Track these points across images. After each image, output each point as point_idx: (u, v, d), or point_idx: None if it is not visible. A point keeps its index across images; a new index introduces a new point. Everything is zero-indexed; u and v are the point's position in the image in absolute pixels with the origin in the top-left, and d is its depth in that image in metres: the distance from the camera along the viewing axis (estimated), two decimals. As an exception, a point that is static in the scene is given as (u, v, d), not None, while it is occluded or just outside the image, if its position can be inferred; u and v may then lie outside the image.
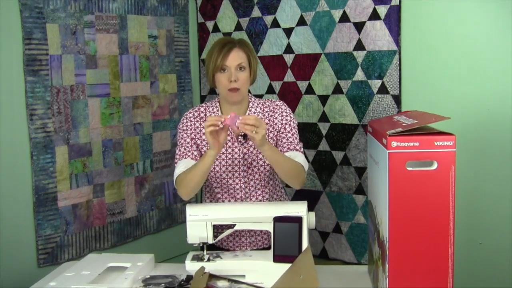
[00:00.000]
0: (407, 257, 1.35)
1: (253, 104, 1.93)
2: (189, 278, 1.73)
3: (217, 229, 1.85)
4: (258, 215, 1.74)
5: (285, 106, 1.95)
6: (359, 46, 2.44)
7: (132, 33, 2.69)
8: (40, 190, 2.29)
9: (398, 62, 2.34)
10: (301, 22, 2.62)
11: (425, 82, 2.30)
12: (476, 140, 2.16)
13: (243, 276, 1.68)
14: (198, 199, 3.06)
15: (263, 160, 1.89)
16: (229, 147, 1.89)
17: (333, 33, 2.52)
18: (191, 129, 1.91)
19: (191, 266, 1.71)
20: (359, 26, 2.43)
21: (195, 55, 3.05)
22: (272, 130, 1.91)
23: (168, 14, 2.89)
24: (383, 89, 2.40)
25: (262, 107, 1.93)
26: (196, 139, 1.91)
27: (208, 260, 1.73)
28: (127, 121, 2.68)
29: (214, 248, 1.98)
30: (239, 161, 1.89)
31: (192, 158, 1.87)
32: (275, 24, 2.71)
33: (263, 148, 1.69)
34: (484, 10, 2.14)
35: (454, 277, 1.35)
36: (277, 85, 2.74)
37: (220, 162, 1.89)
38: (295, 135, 1.91)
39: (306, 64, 2.63)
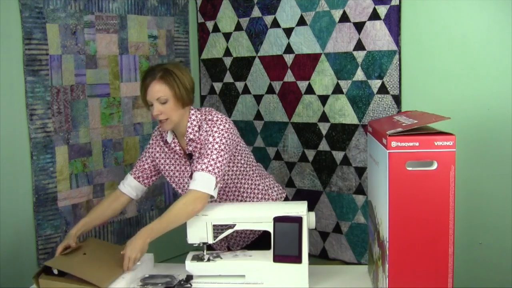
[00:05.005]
0: (407, 257, 1.35)
1: (192, 123, 1.87)
2: (189, 278, 1.74)
3: (217, 229, 1.85)
4: (258, 215, 1.74)
5: (218, 121, 1.83)
6: (359, 46, 2.44)
7: (132, 33, 2.69)
8: (40, 190, 2.29)
9: (398, 62, 2.34)
10: (301, 22, 2.62)
11: (425, 82, 2.29)
12: (476, 140, 2.16)
13: (243, 276, 1.68)
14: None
15: None
16: (180, 168, 1.93)
17: (333, 33, 2.52)
18: (154, 147, 1.98)
19: (191, 266, 1.71)
20: (359, 26, 2.43)
21: (195, 55, 3.05)
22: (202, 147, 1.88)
23: (168, 14, 2.89)
24: (383, 89, 2.40)
25: (201, 124, 1.87)
26: (155, 158, 1.98)
27: (208, 260, 1.73)
28: (127, 121, 2.68)
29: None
30: (189, 179, 1.90)
31: (134, 177, 1.99)
32: (275, 24, 2.71)
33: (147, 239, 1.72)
34: (484, 10, 2.14)
35: (454, 277, 1.35)
36: (277, 85, 2.74)
37: (174, 181, 1.96)
38: (212, 151, 1.77)
39: (306, 64, 2.63)
